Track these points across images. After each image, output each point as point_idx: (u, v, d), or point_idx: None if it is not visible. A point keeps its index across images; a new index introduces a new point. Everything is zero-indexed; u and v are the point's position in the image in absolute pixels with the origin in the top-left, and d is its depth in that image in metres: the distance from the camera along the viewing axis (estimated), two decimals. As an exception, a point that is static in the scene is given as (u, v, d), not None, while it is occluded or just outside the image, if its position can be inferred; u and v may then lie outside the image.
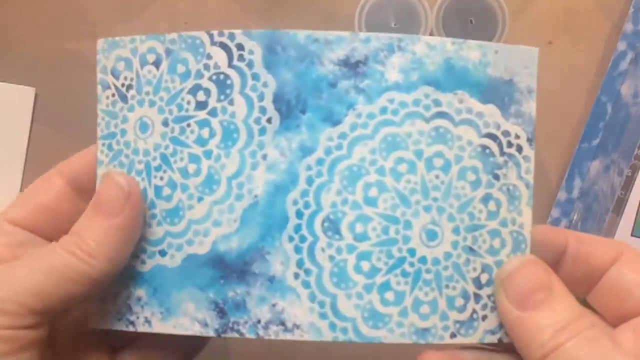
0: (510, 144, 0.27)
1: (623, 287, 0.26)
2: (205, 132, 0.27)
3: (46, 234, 0.29)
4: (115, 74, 0.28)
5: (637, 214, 0.37)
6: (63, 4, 0.43)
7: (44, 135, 0.43)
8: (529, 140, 0.27)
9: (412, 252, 0.26)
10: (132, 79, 0.27)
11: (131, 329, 0.27)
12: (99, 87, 0.28)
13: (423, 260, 0.26)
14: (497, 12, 0.39)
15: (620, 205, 0.38)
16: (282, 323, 0.27)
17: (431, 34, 0.38)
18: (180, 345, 0.31)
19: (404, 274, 0.26)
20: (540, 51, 0.41)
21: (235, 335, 0.27)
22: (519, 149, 0.27)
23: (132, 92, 0.27)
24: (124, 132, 0.27)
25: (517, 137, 0.27)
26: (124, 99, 0.28)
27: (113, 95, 0.28)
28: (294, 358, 0.41)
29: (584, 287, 0.27)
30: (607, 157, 0.41)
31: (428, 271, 0.26)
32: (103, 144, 0.28)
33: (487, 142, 0.27)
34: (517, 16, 0.43)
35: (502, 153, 0.27)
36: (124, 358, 0.30)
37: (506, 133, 0.27)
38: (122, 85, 0.28)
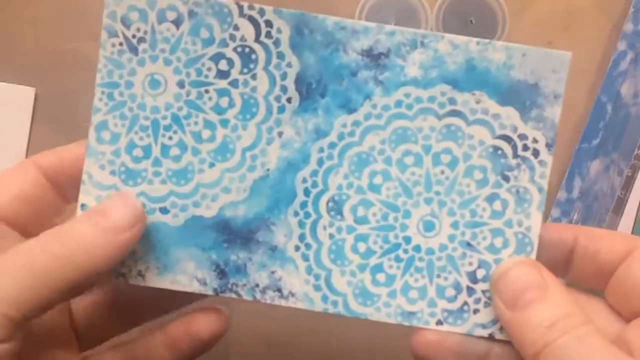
0: (526, 147, 0.28)
1: (633, 284, 0.26)
2: (224, 102, 0.28)
3: (22, 227, 0.28)
4: (125, 23, 0.28)
5: (637, 214, 0.37)
6: (63, 4, 0.43)
7: (44, 135, 0.43)
8: (548, 145, 0.28)
9: (407, 239, 0.28)
10: (145, 32, 0.28)
11: (121, 280, 0.28)
12: (104, 33, 0.28)
13: (417, 248, 0.28)
14: (497, 12, 0.39)
15: (620, 205, 0.38)
16: (279, 290, 0.28)
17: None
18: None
19: (397, 259, 0.28)
20: None
21: (233, 295, 0.28)
22: (536, 153, 0.28)
23: (145, 45, 0.28)
24: (129, 85, 0.28)
25: (535, 141, 0.28)
26: (133, 50, 0.28)
27: (121, 44, 0.28)
28: (293, 358, 0.43)
29: (598, 283, 0.28)
30: (607, 157, 0.42)
31: (421, 259, 0.28)
32: (102, 92, 0.28)
33: (500, 143, 0.28)
34: (517, 16, 0.43)
35: (516, 155, 0.28)
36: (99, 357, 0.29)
37: (523, 136, 0.28)
38: (133, 36, 0.28)
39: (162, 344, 0.28)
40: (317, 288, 0.28)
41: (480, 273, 0.28)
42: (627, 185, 0.39)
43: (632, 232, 0.37)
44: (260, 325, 0.43)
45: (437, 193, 0.28)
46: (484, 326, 0.28)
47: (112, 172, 0.28)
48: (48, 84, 0.43)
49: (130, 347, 0.29)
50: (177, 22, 0.28)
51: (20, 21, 0.43)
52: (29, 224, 0.28)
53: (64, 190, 0.29)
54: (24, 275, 0.23)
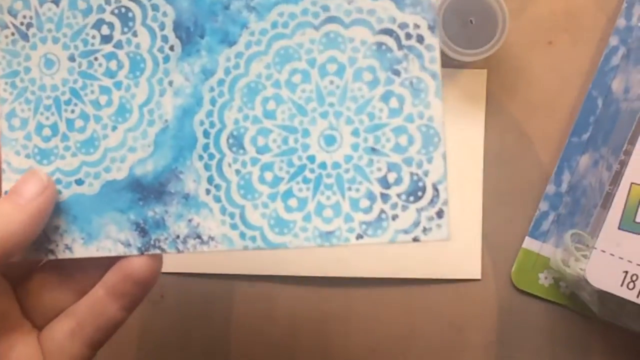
0: (409, 36, 0.26)
1: None
2: (113, 65, 0.29)
3: None
4: (12, 13, 0.29)
5: (624, 207, 0.37)
6: None
7: None
8: (431, 27, 0.26)
9: (311, 158, 0.27)
10: (31, 18, 0.29)
11: (51, 256, 0.29)
12: None
13: (323, 165, 0.27)
14: (497, 12, 0.39)
15: (608, 200, 0.38)
16: (199, 236, 0.28)
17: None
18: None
19: (305, 180, 0.27)
20: (540, 51, 0.42)
21: (157, 251, 0.28)
22: (420, 39, 0.26)
23: (33, 30, 0.29)
24: (27, 70, 0.29)
25: (417, 26, 0.26)
26: (24, 37, 0.29)
27: (13, 34, 0.29)
28: (293, 358, 0.43)
29: None
30: (597, 152, 0.42)
31: (329, 176, 0.27)
32: (6, 83, 0.29)
33: (383, 38, 0.27)
34: (517, 16, 0.43)
35: (401, 47, 0.27)
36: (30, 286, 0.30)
37: (403, 25, 0.26)
38: (22, 24, 0.29)
39: (105, 296, 0.28)
40: (233, 227, 0.28)
41: (392, 177, 0.26)
42: (616, 180, 0.38)
43: (619, 226, 0.37)
44: (260, 326, 0.43)
45: (331, 105, 0.27)
46: (405, 231, 0.26)
47: (27, 156, 0.29)
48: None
49: (77, 310, 0.29)
50: (56, 1, 0.29)
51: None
52: None
53: None
54: None
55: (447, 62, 0.41)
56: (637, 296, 0.36)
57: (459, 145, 0.42)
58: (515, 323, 0.43)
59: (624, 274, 0.36)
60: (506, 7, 0.39)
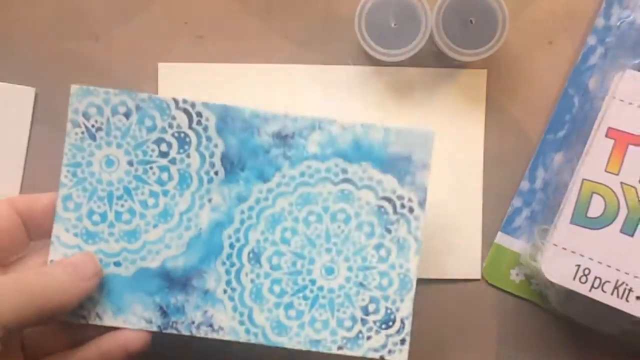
0: (403, 206, 0.35)
1: None
2: (165, 176, 0.35)
3: None
4: (86, 116, 0.35)
5: (576, 202, 0.38)
6: (63, 4, 0.44)
7: (44, 135, 0.43)
8: (420, 203, 0.35)
9: (313, 282, 0.35)
10: (102, 123, 0.35)
11: (82, 321, 0.35)
12: (69, 125, 0.35)
13: (321, 289, 0.35)
14: (497, 12, 0.40)
15: None
16: (210, 325, 0.35)
17: (431, 34, 0.41)
18: None
19: (305, 297, 0.35)
20: (540, 51, 0.44)
21: (174, 332, 0.35)
22: (411, 210, 0.35)
23: (101, 133, 0.35)
24: (89, 164, 0.35)
25: (410, 200, 0.35)
26: (92, 137, 0.35)
27: (82, 133, 0.35)
28: (293, 358, 0.43)
29: None
30: (571, 150, 0.42)
31: (324, 297, 0.35)
32: (68, 170, 0.35)
33: (383, 203, 0.35)
34: (517, 16, 0.43)
35: (395, 212, 0.35)
36: None
37: (400, 197, 0.35)
38: (93, 126, 0.35)
39: (96, 356, 0.34)
40: (241, 323, 0.35)
41: (372, 307, 0.35)
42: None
43: (571, 222, 0.38)
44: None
45: (335, 244, 0.35)
46: (375, 350, 0.35)
47: (75, 234, 0.35)
48: (48, 84, 0.43)
49: (67, 359, 0.35)
50: (127, 114, 0.35)
51: (20, 21, 0.44)
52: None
53: (30, 229, 0.36)
54: (14, 298, 0.31)
55: (447, 62, 0.42)
56: (590, 290, 0.37)
57: (459, 145, 0.43)
58: (515, 323, 0.43)
59: (577, 267, 0.37)
60: (506, 7, 0.40)
